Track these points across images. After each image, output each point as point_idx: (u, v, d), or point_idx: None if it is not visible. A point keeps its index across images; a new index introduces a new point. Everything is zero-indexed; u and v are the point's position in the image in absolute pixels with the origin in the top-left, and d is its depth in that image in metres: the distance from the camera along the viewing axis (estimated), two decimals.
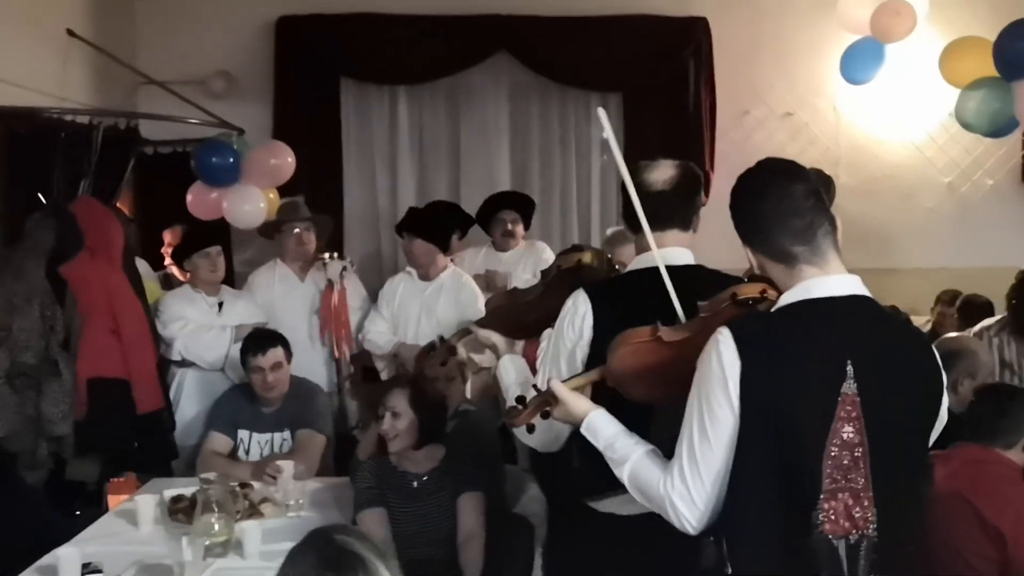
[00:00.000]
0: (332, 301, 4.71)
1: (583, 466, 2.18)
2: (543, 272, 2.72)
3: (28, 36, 4.68)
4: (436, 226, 4.63)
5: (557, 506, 3.26)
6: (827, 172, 5.78)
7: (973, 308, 5.24)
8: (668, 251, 2.25)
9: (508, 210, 5.18)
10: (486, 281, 4.88)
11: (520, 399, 2.08)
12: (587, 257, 2.54)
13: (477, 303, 4.52)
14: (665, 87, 5.98)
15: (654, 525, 1.93)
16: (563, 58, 5.98)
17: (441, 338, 2.87)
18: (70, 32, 5.02)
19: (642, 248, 2.31)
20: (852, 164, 6.03)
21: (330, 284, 4.73)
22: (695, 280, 2.20)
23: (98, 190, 4.46)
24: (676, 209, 2.33)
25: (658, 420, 2.02)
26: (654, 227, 2.23)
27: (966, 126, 5.38)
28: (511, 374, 2.55)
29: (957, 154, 6.09)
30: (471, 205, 6.09)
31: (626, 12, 5.93)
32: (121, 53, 5.46)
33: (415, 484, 3.30)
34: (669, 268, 2.16)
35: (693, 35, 5.98)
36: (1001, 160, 6.12)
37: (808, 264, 1.80)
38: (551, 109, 6.19)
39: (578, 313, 2.28)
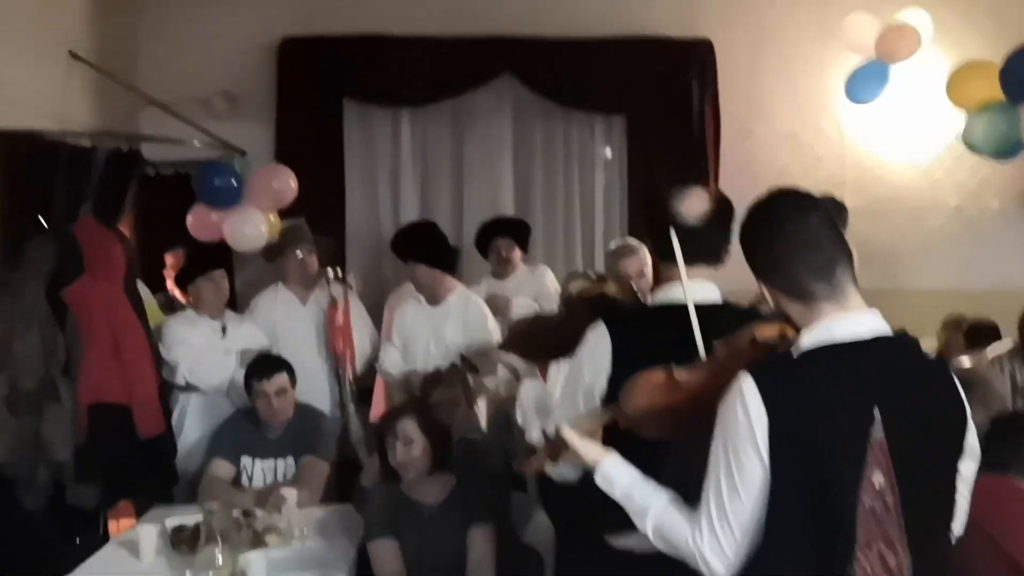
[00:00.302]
0: (336, 318, 4.67)
1: (601, 501, 2.13)
2: (564, 299, 2.68)
3: (30, 58, 4.66)
4: (438, 249, 4.56)
5: (568, 539, 3.21)
6: (832, 193, 5.82)
7: (980, 332, 5.20)
8: (695, 286, 2.16)
9: (502, 237, 5.12)
10: (490, 307, 4.82)
11: (530, 448, 2.04)
12: (610, 288, 2.49)
13: (486, 324, 4.47)
14: (669, 108, 5.95)
15: (674, 564, 1.88)
16: (567, 80, 5.95)
17: (462, 357, 2.83)
18: (72, 54, 4.99)
19: (668, 277, 2.23)
20: (858, 185, 5.99)
21: (334, 301, 4.69)
22: (720, 318, 2.12)
23: (99, 212, 4.40)
24: (710, 245, 2.23)
25: (672, 455, 1.97)
26: (692, 261, 2.15)
27: (973, 149, 5.36)
28: (531, 396, 2.50)
29: (964, 176, 6.07)
30: (474, 226, 6.08)
31: (630, 34, 5.92)
32: (123, 74, 5.44)
33: (426, 515, 3.26)
34: (695, 305, 2.09)
35: (697, 57, 5.96)
36: (1008, 182, 6.09)
37: (827, 301, 1.74)
38: (554, 130, 6.16)
39: (598, 346, 2.21)
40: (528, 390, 2.53)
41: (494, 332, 4.45)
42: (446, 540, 3.23)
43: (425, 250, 4.49)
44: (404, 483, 3.32)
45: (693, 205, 2.21)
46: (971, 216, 6.15)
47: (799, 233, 1.76)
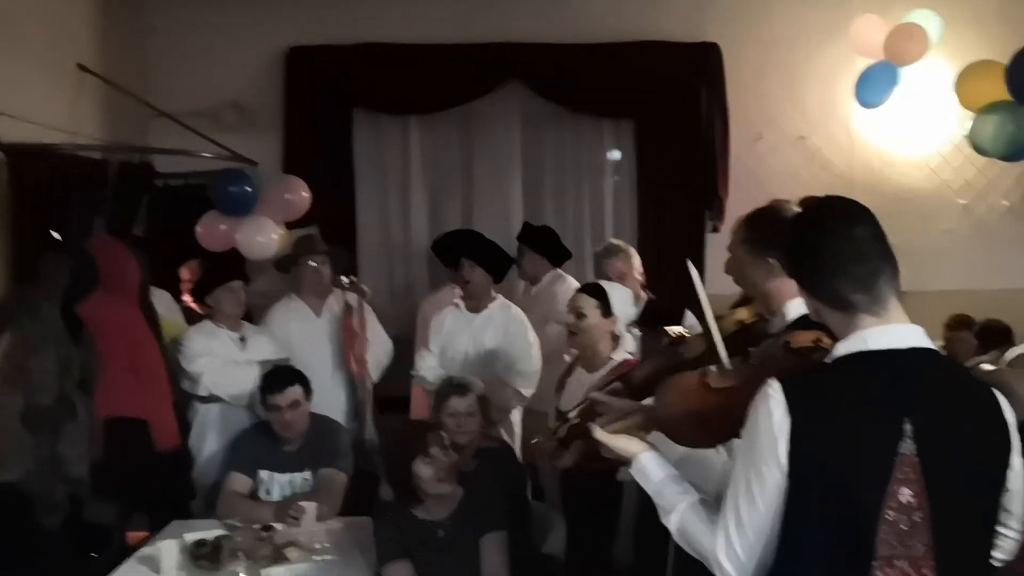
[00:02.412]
0: (351, 325, 4.66)
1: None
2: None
3: (40, 72, 4.66)
4: (499, 257, 4.61)
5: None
6: (843, 195, 5.81)
7: (992, 333, 5.20)
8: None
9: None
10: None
11: (564, 441, 2.04)
12: (743, 314, 2.40)
13: (527, 335, 4.49)
14: (677, 113, 5.94)
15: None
16: (575, 86, 5.95)
17: (564, 416, 2.71)
18: (81, 67, 4.99)
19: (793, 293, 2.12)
20: (867, 187, 5.98)
21: (348, 308, 4.68)
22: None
23: (113, 226, 4.42)
24: None
25: None
26: None
27: (980, 151, 5.36)
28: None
29: (972, 176, 6.06)
30: (484, 231, 6.07)
31: (637, 39, 5.91)
32: (132, 86, 5.43)
33: (440, 533, 3.23)
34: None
35: (705, 61, 5.95)
36: (1017, 181, 6.09)
37: (867, 313, 1.71)
38: (563, 136, 6.16)
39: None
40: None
41: (534, 343, 4.47)
42: (461, 554, 3.22)
43: (483, 253, 4.52)
44: (411, 502, 3.30)
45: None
46: (981, 216, 6.14)
47: (844, 244, 1.73)
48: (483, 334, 4.51)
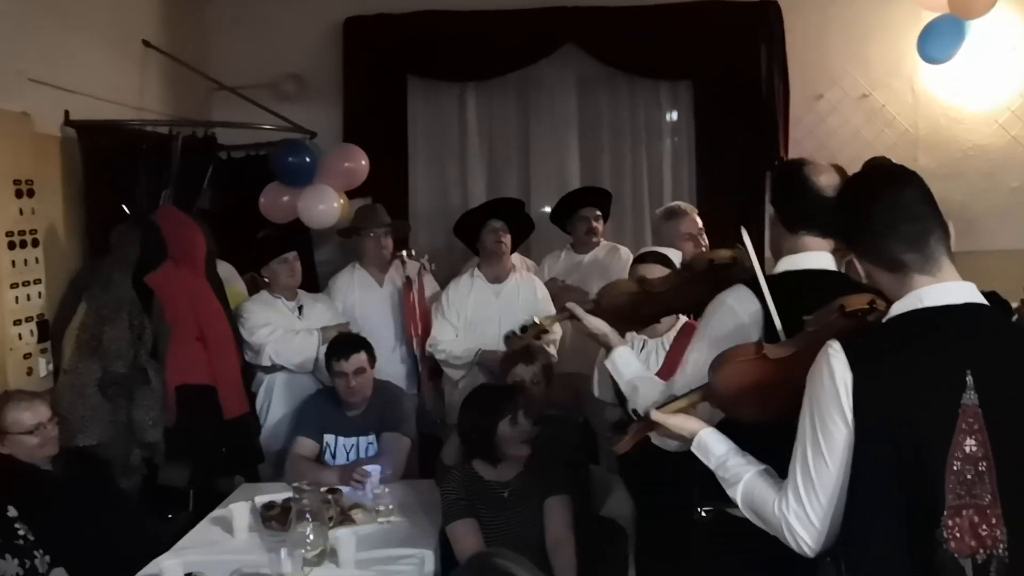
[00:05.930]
0: (412, 298, 4.73)
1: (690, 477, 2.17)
2: (685, 265, 2.64)
3: (106, 49, 4.76)
4: (525, 221, 4.66)
5: (650, 513, 3.23)
6: (906, 154, 5.68)
7: None
8: (819, 255, 2.23)
9: (590, 207, 5.10)
10: (557, 289, 4.82)
11: (620, 424, 2.06)
12: (739, 254, 2.48)
13: (549, 300, 4.55)
14: (736, 73, 5.83)
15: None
16: (631, 48, 5.87)
17: (534, 321, 2.76)
18: (146, 43, 5.09)
19: (795, 245, 2.25)
20: (932, 145, 5.86)
21: (409, 282, 4.75)
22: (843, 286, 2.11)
23: (179, 199, 4.53)
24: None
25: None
26: (823, 232, 2.22)
27: None
28: (631, 366, 2.45)
29: None
30: (541, 200, 6.10)
31: None
32: (193, 60, 5.53)
33: (505, 494, 3.30)
34: (821, 272, 2.17)
35: (764, 20, 5.83)
36: None
37: (920, 272, 1.75)
38: (620, 99, 6.09)
39: (743, 310, 2.18)
40: (626, 359, 2.46)
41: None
42: (525, 517, 3.28)
43: (519, 219, 4.63)
44: (477, 463, 3.37)
45: (826, 177, 2.22)
46: None
47: (893, 204, 1.77)
48: (514, 303, 4.56)
